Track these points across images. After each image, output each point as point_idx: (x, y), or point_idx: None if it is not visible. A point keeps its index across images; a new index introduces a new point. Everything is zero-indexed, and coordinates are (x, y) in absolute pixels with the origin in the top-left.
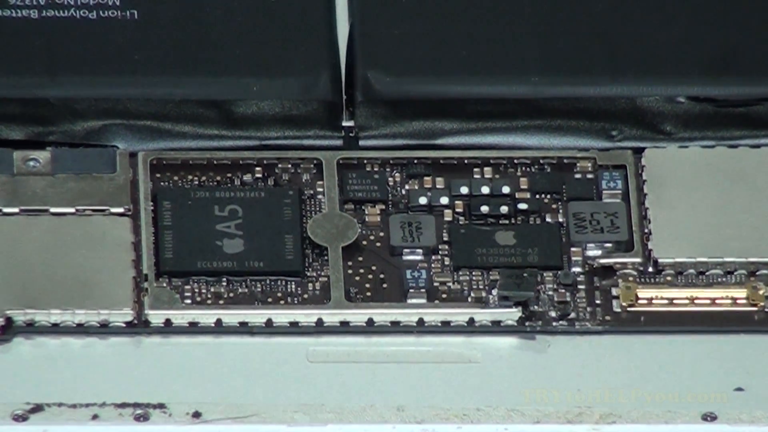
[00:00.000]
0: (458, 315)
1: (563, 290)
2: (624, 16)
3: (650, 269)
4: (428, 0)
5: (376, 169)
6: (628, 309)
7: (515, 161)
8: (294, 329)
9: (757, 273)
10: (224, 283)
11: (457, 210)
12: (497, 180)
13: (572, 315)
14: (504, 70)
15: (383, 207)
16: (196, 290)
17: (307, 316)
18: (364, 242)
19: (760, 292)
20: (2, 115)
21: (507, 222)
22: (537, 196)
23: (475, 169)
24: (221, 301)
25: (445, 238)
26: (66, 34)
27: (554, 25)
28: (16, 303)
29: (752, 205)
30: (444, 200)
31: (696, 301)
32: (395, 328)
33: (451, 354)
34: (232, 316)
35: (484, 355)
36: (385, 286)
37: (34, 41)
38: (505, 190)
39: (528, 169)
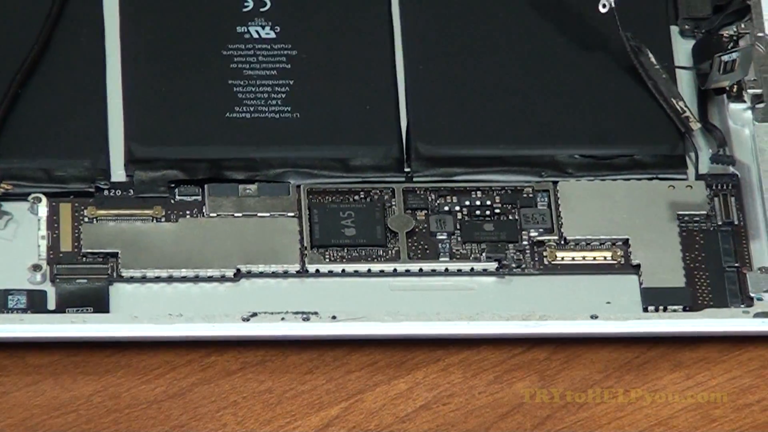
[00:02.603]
0: (465, 266)
1: (519, 253)
2: (553, 112)
3: (563, 242)
4: (453, 103)
5: (422, 193)
6: (552, 262)
7: (493, 187)
8: (382, 273)
9: (615, 243)
10: (345, 251)
11: (464, 213)
12: (484, 197)
13: (524, 265)
14: (489, 140)
15: (426, 211)
16: (331, 254)
17: (388, 267)
18: (416, 229)
19: (618, 253)
20: (233, 166)
21: (489, 219)
22: (504, 206)
23: (473, 192)
24: (344, 260)
25: (457, 227)
26: (264, 124)
27: (516, 114)
28: (241, 261)
29: (612, 209)
30: (457, 208)
31: (586, 258)
32: (434, 272)
33: (461, 285)
34: (349, 266)
35: (478, 286)
36: (427, 251)
37: (249, 128)
38: (488, 202)
39: (500, 191)
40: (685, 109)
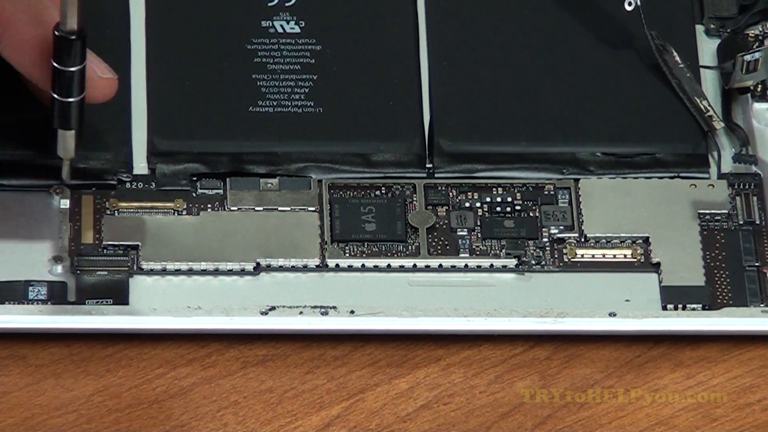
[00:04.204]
0: (484, 262)
1: (539, 250)
2: (575, 109)
3: (582, 239)
4: (476, 100)
5: (443, 189)
6: (572, 259)
7: (514, 184)
8: (401, 269)
9: (636, 242)
10: (365, 246)
11: (485, 209)
12: (504, 194)
13: (543, 262)
14: (511, 138)
15: (447, 207)
16: (351, 249)
17: (408, 262)
18: (437, 225)
19: (638, 251)
20: (255, 160)
21: (510, 215)
22: (525, 202)
23: (494, 189)
24: (364, 255)
25: (478, 224)
26: (287, 119)
27: (538, 111)
28: (261, 254)
29: (635, 207)
30: (477, 204)
31: (605, 256)
32: (454, 269)
33: (481, 282)
34: (369, 261)
35: (497, 283)
36: (447, 247)
37: (271, 122)
38: (509, 199)
39: (521, 188)
40: (709, 108)
